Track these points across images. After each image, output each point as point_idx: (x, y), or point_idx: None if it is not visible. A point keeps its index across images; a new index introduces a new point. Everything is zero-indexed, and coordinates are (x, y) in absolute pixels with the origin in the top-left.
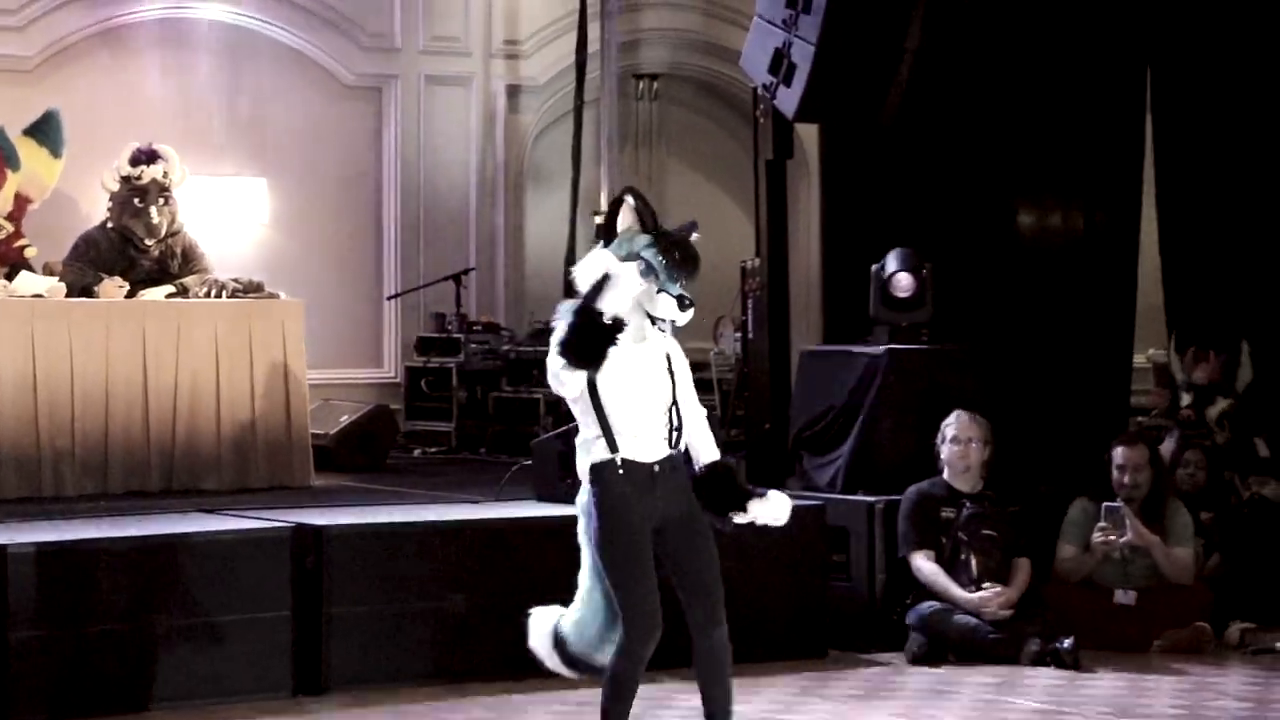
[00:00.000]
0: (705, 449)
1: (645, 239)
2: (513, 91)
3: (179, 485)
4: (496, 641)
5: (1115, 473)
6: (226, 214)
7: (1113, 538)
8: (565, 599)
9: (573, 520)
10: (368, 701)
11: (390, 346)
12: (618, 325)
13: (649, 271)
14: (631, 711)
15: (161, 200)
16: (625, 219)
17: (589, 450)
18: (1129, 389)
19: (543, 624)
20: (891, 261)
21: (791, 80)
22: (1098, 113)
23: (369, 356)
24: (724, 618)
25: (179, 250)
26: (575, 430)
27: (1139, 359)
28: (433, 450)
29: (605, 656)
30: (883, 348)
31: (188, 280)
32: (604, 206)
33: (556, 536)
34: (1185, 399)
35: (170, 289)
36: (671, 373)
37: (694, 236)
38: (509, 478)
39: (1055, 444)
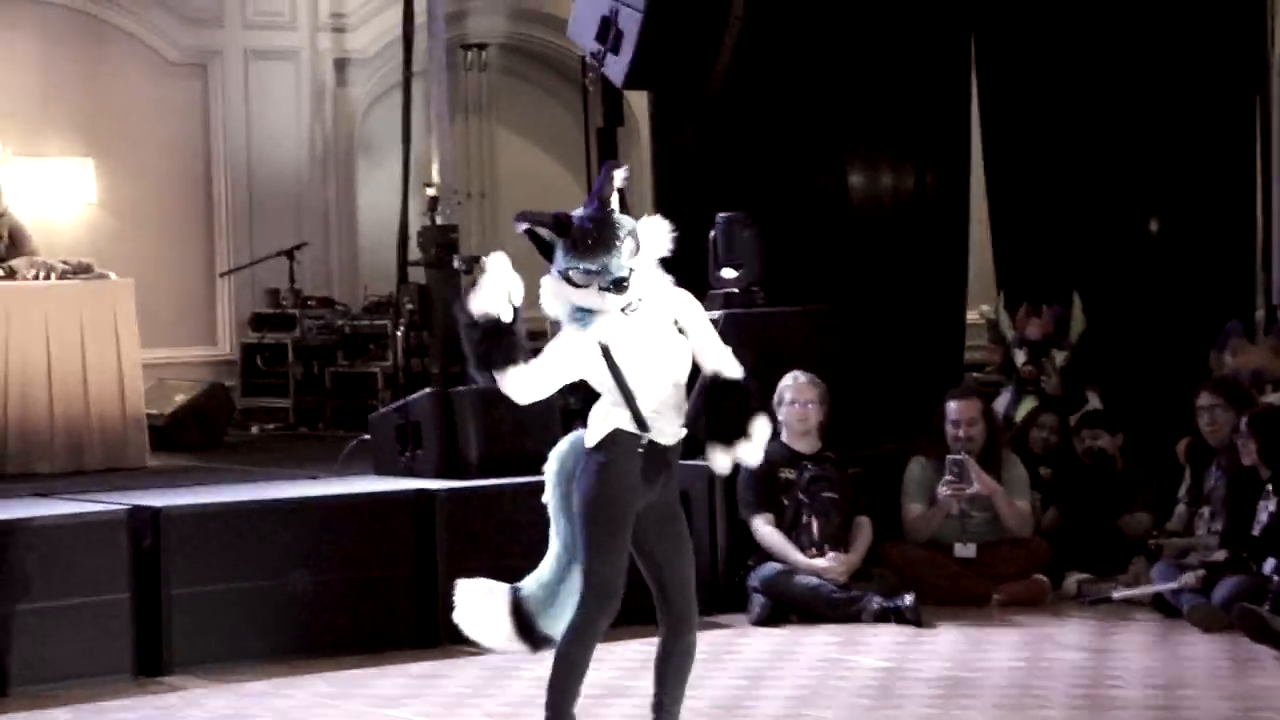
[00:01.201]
0: (725, 367)
1: (561, 247)
2: (340, 65)
3: (12, 470)
4: (339, 617)
5: (950, 427)
6: (53, 195)
7: (960, 489)
8: (409, 573)
9: (411, 494)
10: (210, 682)
11: (224, 323)
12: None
13: (587, 276)
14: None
15: None
16: (544, 233)
17: (608, 416)
18: (963, 345)
19: (483, 592)
20: (719, 240)
21: (620, 48)
22: (924, 76)
23: (203, 334)
24: (696, 622)
25: (5, 233)
26: (413, 404)
27: (971, 315)
28: (270, 427)
29: (559, 627)
30: (719, 312)
31: (16, 263)
32: (436, 178)
33: (397, 510)
34: (1020, 356)
35: None
36: (683, 332)
37: (619, 176)
38: (348, 452)
39: (892, 402)
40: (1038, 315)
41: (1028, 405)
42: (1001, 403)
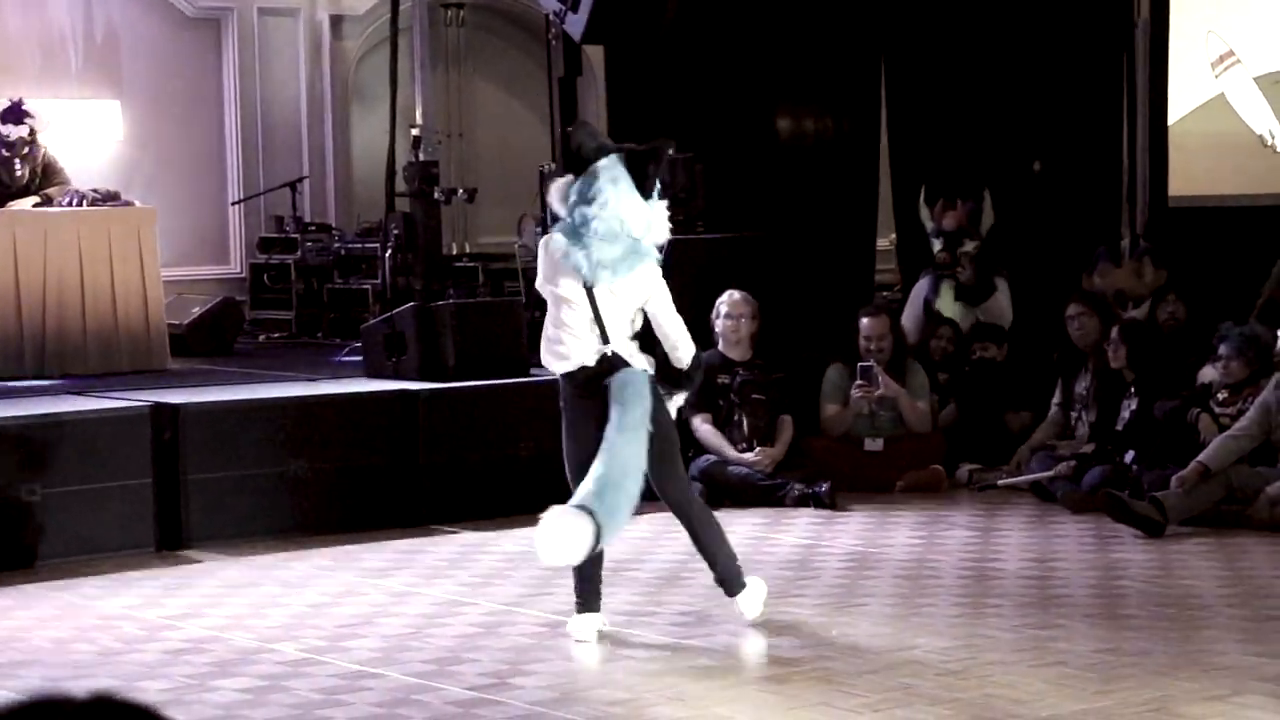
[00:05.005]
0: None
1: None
2: (336, 21)
3: (51, 371)
4: (334, 500)
5: (862, 341)
6: (85, 133)
7: (869, 392)
8: (394, 462)
9: (396, 394)
10: (222, 555)
11: (235, 246)
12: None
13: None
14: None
15: (25, 150)
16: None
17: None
18: (874, 268)
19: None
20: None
21: (578, 7)
22: (841, 35)
23: (217, 255)
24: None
25: (40, 167)
26: (398, 317)
27: (881, 243)
28: (275, 336)
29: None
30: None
31: (50, 191)
32: (419, 120)
33: (384, 407)
34: (936, 245)
35: (35, 199)
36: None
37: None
38: (342, 358)
39: (813, 317)
40: (953, 208)
41: (946, 291)
42: (921, 288)
